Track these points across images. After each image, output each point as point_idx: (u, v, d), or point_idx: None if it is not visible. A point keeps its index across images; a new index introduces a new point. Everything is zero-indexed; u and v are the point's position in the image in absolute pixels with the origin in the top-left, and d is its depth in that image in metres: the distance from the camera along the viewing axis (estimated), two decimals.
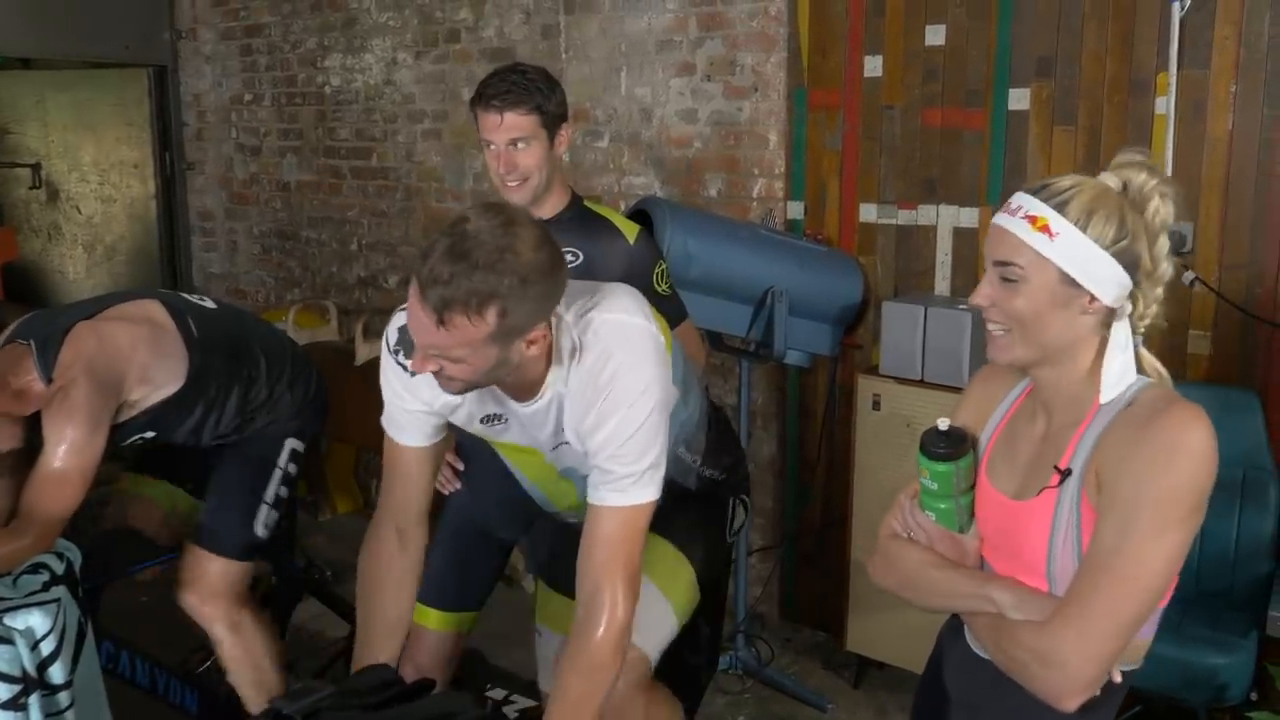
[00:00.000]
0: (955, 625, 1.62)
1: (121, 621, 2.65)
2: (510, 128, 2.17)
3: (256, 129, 5.40)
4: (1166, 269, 1.42)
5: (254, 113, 5.40)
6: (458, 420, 1.87)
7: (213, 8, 5.45)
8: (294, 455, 2.60)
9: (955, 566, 1.53)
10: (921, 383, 3.11)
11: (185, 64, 5.65)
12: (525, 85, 2.17)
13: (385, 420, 1.88)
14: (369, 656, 1.86)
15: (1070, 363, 1.44)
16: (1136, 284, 1.41)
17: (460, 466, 2.39)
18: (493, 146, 2.20)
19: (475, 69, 4.33)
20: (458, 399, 1.78)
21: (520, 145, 2.18)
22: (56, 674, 2.07)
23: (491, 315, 1.52)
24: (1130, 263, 1.39)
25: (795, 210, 3.65)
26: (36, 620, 2.04)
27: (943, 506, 1.54)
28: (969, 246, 3.31)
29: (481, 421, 1.86)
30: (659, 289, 2.28)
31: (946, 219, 3.37)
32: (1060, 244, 1.37)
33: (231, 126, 5.52)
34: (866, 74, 3.44)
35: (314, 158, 5.17)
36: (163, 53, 5.62)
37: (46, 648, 2.05)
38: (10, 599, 2.07)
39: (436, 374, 1.61)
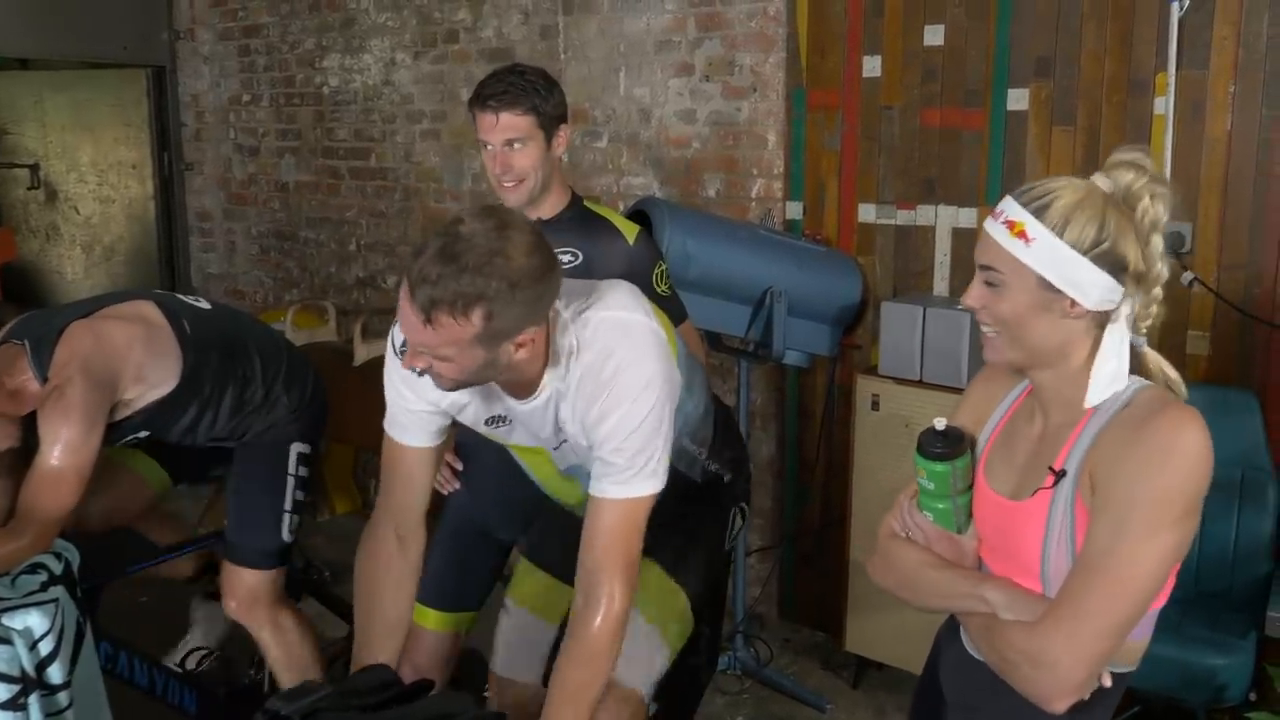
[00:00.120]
0: (952, 626, 1.62)
1: (120, 621, 2.64)
2: (506, 128, 2.17)
3: (255, 129, 5.40)
4: (1161, 270, 1.41)
5: (252, 113, 5.40)
6: (465, 420, 1.87)
7: (211, 8, 5.45)
8: (302, 459, 2.62)
9: (951, 567, 1.53)
10: (920, 383, 3.11)
11: (183, 64, 5.65)
12: (522, 86, 2.17)
13: (387, 422, 1.89)
14: (368, 657, 1.87)
15: (1064, 364, 1.43)
16: (1126, 286, 1.39)
17: (459, 466, 2.39)
18: (489, 147, 2.20)
19: (474, 69, 4.33)
20: (465, 398, 1.80)
21: (516, 146, 2.18)
22: (55, 674, 2.07)
23: (477, 317, 1.53)
24: (1114, 265, 1.37)
25: (794, 210, 3.65)
26: (35, 620, 2.04)
27: (940, 506, 1.54)
28: (968, 247, 3.30)
29: (487, 423, 1.87)
30: (659, 289, 2.28)
31: (945, 219, 3.37)
32: (1036, 249, 1.37)
33: (230, 127, 5.51)
34: (865, 74, 3.44)
35: (312, 158, 5.16)
36: (161, 53, 5.61)
37: (45, 648, 2.05)
38: (9, 599, 2.06)
39: (427, 371, 1.62)
